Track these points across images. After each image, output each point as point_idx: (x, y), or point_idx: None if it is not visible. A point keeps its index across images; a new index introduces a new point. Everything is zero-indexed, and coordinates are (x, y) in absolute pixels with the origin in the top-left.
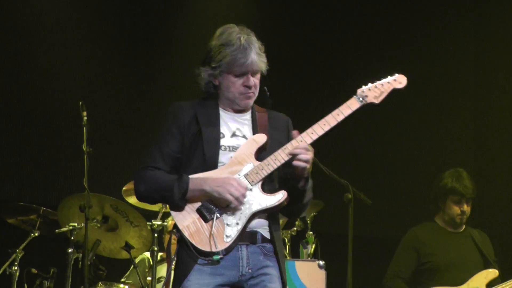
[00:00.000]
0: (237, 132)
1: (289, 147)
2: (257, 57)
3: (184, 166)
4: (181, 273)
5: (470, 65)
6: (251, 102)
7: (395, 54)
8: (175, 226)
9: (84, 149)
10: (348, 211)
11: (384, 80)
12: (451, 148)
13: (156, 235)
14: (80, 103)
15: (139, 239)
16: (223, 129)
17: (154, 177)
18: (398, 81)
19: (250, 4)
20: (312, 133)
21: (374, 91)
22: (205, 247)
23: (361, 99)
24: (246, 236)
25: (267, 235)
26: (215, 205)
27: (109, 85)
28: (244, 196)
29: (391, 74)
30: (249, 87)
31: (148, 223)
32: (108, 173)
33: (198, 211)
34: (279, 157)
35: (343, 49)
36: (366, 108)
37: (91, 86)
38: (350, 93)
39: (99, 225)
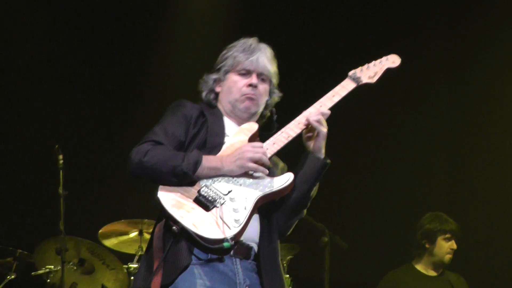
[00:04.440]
0: None
1: (286, 130)
2: (265, 59)
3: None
4: (174, 270)
5: (445, 113)
6: (252, 106)
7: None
8: (171, 218)
9: (60, 192)
10: (324, 255)
11: (376, 61)
12: (426, 193)
13: (132, 278)
14: (56, 146)
15: (116, 282)
16: (227, 130)
17: (160, 148)
18: (391, 60)
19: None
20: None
21: (367, 72)
22: (214, 235)
23: (355, 79)
24: (241, 249)
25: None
26: (217, 191)
27: (84, 128)
28: (265, 154)
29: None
30: (252, 86)
31: (124, 266)
32: (84, 216)
33: (196, 200)
34: (278, 141)
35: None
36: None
37: (66, 129)
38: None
39: (75, 268)
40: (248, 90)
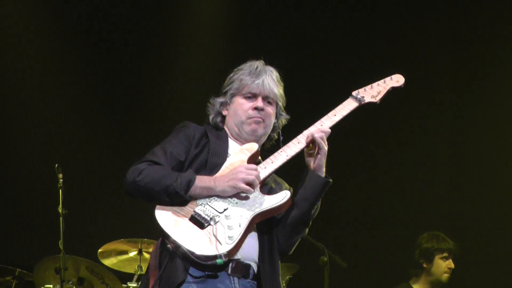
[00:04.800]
0: None
1: (285, 148)
2: (271, 82)
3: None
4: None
5: (447, 128)
6: (259, 129)
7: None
8: (166, 236)
9: (60, 211)
10: (324, 274)
11: (380, 81)
12: (427, 212)
13: None
14: (56, 165)
15: None
16: (230, 150)
17: (155, 168)
18: (395, 80)
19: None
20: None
21: (371, 91)
22: (207, 251)
23: (358, 99)
24: (239, 268)
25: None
26: (212, 209)
27: (85, 147)
28: (258, 176)
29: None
30: (258, 109)
31: (123, 285)
32: (83, 236)
33: (192, 218)
34: (276, 159)
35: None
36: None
37: (66, 148)
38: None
39: (74, 287)
40: (254, 113)
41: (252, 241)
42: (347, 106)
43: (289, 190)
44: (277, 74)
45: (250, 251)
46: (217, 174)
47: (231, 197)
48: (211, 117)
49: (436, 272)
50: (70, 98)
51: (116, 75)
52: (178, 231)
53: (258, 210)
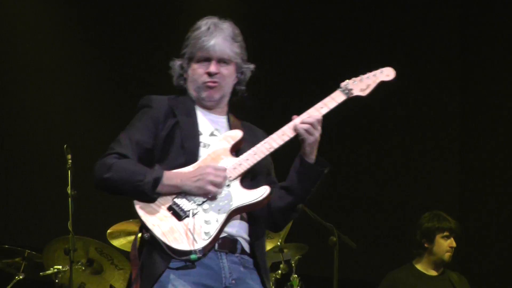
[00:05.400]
0: (215, 133)
1: (269, 140)
2: (223, 42)
3: (158, 160)
4: (150, 278)
5: (456, 109)
6: (215, 94)
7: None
8: (143, 226)
9: (69, 192)
10: (333, 254)
11: (370, 73)
12: (435, 191)
13: None
14: (65, 146)
15: (124, 282)
16: (201, 126)
17: (122, 164)
18: (385, 73)
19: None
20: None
21: (360, 84)
22: (181, 246)
23: (346, 91)
24: (226, 243)
25: (246, 247)
26: (191, 201)
27: (94, 127)
28: (226, 179)
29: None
30: (210, 74)
31: None
32: (92, 216)
33: (170, 209)
34: (259, 151)
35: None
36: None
37: (75, 128)
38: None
39: (83, 268)
40: (208, 78)
41: (240, 217)
42: (335, 99)
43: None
44: (233, 29)
45: (239, 228)
46: (198, 164)
47: None
48: (174, 79)
49: (438, 251)
50: (79, 78)
51: (126, 53)
52: (156, 222)
53: (235, 205)
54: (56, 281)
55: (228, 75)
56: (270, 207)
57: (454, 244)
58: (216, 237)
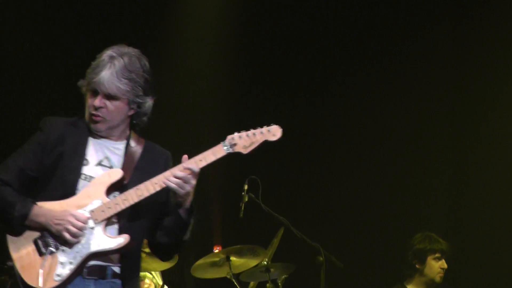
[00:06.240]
0: (104, 162)
1: (142, 187)
2: (110, 78)
3: (40, 188)
4: None
5: (447, 124)
6: (101, 127)
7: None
8: (9, 254)
9: None
10: (320, 274)
11: (257, 130)
12: (423, 212)
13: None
14: None
15: None
16: (89, 155)
17: (0, 193)
18: (272, 133)
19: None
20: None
21: (245, 140)
22: (33, 283)
23: (229, 146)
24: (95, 271)
25: (118, 270)
26: (54, 239)
27: None
28: (82, 231)
29: (268, 125)
30: (95, 107)
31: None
32: None
33: (35, 242)
34: (130, 197)
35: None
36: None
37: None
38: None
39: None
40: (93, 111)
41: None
42: (216, 154)
43: None
44: (128, 64)
45: (111, 254)
46: (70, 201)
47: None
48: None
49: (429, 273)
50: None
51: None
52: (18, 253)
53: (92, 251)
54: None
55: (114, 110)
56: (155, 241)
57: (445, 266)
58: (69, 280)
